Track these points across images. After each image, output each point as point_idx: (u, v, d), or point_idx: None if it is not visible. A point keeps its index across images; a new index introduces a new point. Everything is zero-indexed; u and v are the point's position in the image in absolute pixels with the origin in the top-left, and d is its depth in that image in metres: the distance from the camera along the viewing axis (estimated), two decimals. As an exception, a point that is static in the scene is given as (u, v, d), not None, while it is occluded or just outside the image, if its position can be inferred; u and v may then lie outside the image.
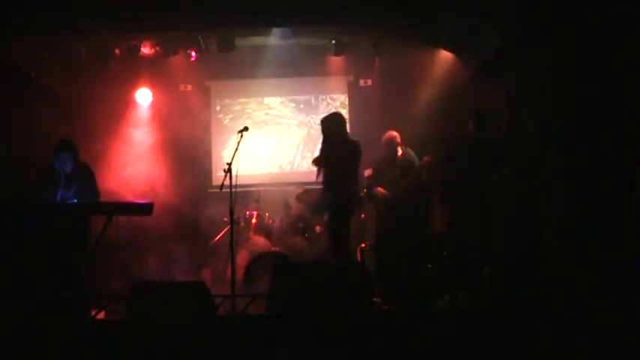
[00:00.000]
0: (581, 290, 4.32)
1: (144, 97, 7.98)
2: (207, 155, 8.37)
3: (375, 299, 5.55)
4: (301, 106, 8.48)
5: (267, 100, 8.51)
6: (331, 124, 5.91)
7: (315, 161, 6.04)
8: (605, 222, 5.12)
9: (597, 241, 5.08)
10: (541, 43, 5.88)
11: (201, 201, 7.72)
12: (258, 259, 6.53)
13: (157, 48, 7.32)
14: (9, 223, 5.30)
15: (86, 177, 5.68)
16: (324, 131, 5.94)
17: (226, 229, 6.80)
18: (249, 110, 8.50)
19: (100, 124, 7.46)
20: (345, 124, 6.10)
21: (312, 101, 8.50)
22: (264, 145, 8.34)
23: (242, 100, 8.54)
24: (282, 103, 8.50)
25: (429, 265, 6.23)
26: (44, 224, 5.28)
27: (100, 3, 6.32)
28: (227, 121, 8.50)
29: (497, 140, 6.22)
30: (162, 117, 7.97)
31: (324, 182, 5.91)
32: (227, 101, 8.56)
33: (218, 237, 7.18)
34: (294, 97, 8.52)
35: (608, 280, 4.42)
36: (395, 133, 6.43)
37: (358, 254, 7.08)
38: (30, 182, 6.04)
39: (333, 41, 7.37)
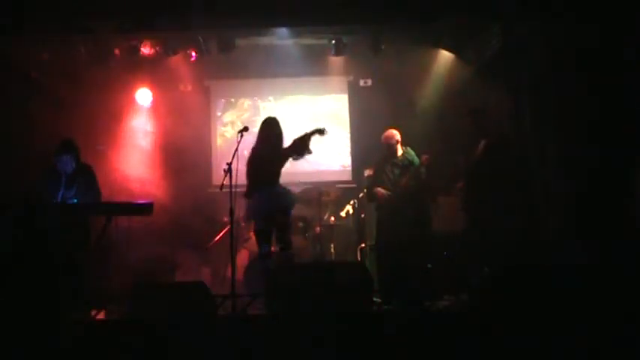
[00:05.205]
0: (581, 291, 4.32)
1: (144, 97, 7.98)
2: (207, 155, 8.38)
3: (375, 299, 5.55)
4: (301, 105, 8.48)
5: (267, 99, 8.51)
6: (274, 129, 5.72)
7: None
8: (605, 223, 5.12)
9: (597, 242, 5.09)
10: (541, 43, 5.89)
11: (201, 201, 7.72)
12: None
13: (157, 48, 7.32)
14: (9, 223, 5.31)
15: (87, 177, 5.67)
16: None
17: (226, 229, 6.82)
18: (248, 110, 8.51)
19: (101, 124, 7.46)
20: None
21: (312, 100, 8.51)
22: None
23: (242, 99, 8.55)
24: (281, 102, 8.51)
25: (429, 265, 6.24)
26: (44, 224, 5.28)
27: (100, 3, 6.32)
28: (227, 120, 8.51)
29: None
30: (162, 117, 7.97)
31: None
32: (227, 101, 8.57)
33: (218, 237, 7.19)
34: (294, 96, 8.53)
35: (608, 281, 4.42)
36: (394, 131, 6.43)
37: (358, 254, 7.09)
38: (30, 182, 6.03)
39: (333, 41, 7.37)
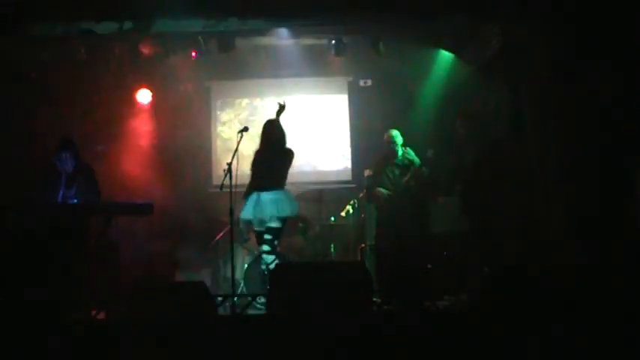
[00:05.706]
0: (581, 291, 4.32)
1: (144, 97, 7.98)
2: (207, 155, 8.38)
3: (375, 299, 5.55)
4: (301, 105, 8.48)
5: (267, 99, 8.51)
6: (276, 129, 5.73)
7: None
8: (605, 223, 5.12)
9: (597, 242, 5.09)
10: (541, 43, 5.88)
11: (201, 201, 7.72)
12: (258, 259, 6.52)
13: (157, 48, 7.32)
14: (9, 223, 5.30)
15: (87, 176, 5.68)
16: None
17: (226, 229, 6.81)
18: (248, 110, 8.50)
19: (101, 124, 7.46)
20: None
21: (312, 101, 8.50)
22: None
23: (242, 99, 8.55)
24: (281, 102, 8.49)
25: (429, 265, 6.24)
26: (44, 224, 5.27)
27: (100, 3, 6.32)
28: (227, 121, 8.51)
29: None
30: (162, 117, 7.97)
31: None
32: (227, 101, 8.57)
33: (218, 237, 7.19)
34: (294, 96, 8.51)
35: (608, 281, 4.42)
36: (396, 132, 6.44)
37: (358, 254, 7.09)
38: (30, 182, 6.04)
39: (333, 41, 7.37)
